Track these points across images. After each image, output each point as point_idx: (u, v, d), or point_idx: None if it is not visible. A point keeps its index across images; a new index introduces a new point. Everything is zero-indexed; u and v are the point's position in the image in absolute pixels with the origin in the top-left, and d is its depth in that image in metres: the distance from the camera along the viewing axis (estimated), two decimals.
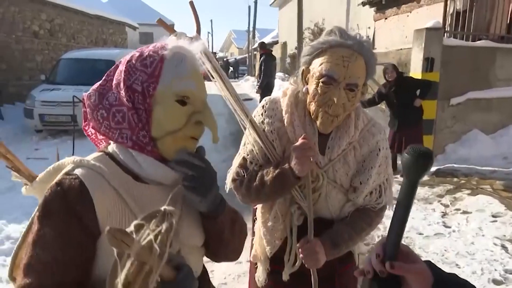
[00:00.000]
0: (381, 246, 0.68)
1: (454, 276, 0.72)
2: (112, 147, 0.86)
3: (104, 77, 0.88)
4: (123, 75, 0.82)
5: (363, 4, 8.77)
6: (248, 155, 1.33)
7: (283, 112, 1.31)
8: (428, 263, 0.70)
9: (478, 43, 5.86)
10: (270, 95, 8.83)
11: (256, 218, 1.43)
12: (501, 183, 4.73)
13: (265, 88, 8.50)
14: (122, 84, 0.82)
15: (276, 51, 18.34)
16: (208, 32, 43.57)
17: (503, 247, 3.35)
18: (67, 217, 0.73)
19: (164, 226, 0.60)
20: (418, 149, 0.62)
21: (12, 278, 0.79)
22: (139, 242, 0.57)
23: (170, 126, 0.81)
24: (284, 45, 16.86)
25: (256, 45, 26.06)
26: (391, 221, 0.67)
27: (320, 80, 1.20)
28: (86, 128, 0.94)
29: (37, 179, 0.87)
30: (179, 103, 0.82)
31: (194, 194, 0.82)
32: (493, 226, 3.70)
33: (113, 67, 0.88)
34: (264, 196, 1.27)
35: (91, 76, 8.11)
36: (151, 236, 0.58)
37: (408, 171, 0.63)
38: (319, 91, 1.21)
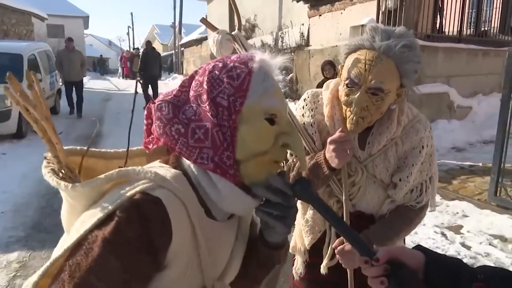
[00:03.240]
0: (360, 257, 0.72)
1: (444, 255, 0.78)
2: (189, 165, 0.76)
3: (178, 88, 0.80)
4: (205, 87, 0.75)
5: (297, 0, 9.08)
6: None
7: (324, 106, 1.34)
8: (418, 246, 0.76)
9: None
10: (151, 84, 10.84)
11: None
12: (437, 174, 5.22)
13: (145, 83, 10.96)
14: (205, 97, 0.74)
15: (206, 48, 18.21)
16: (129, 27, 41.88)
17: (443, 234, 3.69)
18: (141, 250, 0.64)
19: None
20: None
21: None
22: None
23: (257, 148, 0.74)
24: None
25: (183, 41, 25.71)
26: (340, 233, 0.77)
27: (345, 82, 1.24)
28: (149, 145, 0.83)
29: (90, 184, 0.71)
30: (268, 122, 0.75)
31: (282, 225, 0.77)
32: (431, 216, 4.05)
33: (188, 77, 0.81)
34: None
35: None
36: None
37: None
38: (344, 92, 1.24)
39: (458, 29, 7.22)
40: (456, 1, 7.08)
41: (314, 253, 1.43)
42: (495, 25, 8.19)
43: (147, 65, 10.90)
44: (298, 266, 1.51)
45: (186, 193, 0.72)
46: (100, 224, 0.65)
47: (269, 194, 0.76)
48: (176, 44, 27.52)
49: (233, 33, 1.35)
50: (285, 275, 3.01)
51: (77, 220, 0.70)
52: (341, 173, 1.31)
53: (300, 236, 1.48)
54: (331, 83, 1.39)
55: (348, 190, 1.34)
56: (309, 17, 9.17)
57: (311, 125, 1.36)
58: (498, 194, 4.16)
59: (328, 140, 1.25)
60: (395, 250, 0.72)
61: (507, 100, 4.07)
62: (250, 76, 0.75)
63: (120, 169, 0.71)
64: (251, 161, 0.75)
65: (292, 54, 9.49)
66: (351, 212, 1.36)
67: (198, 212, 0.73)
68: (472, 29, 8.01)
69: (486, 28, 8.19)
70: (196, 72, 0.80)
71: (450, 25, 7.17)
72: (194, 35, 23.19)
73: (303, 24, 9.71)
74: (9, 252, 3.35)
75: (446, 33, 7.34)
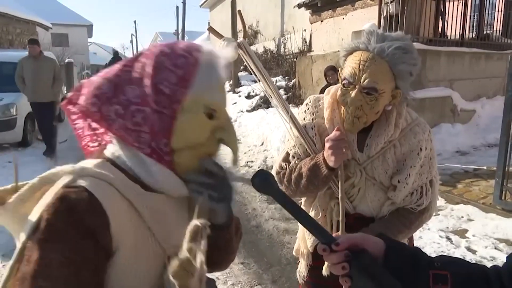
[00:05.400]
0: (319, 245, 0.74)
1: (404, 243, 0.82)
2: (112, 152, 0.77)
3: (120, 67, 0.77)
4: (150, 71, 0.73)
5: (299, 6, 9.13)
6: (291, 150, 1.45)
7: (324, 109, 1.39)
8: (379, 234, 0.79)
9: None
10: None
11: None
12: (438, 177, 5.20)
13: None
14: (147, 81, 0.73)
15: None
16: (132, 35, 42.23)
17: (448, 238, 3.67)
18: (79, 237, 0.64)
19: (203, 244, 0.61)
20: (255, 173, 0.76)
21: None
22: (200, 269, 0.57)
23: (193, 139, 0.75)
24: None
25: None
26: (300, 222, 0.78)
27: (342, 82, 1.29)
28: (74, 119, 0.84)
29: (15, 197, 0.70)
30: (206, 116, 0.75)
31: (223, 206, 0.79)
32: (436, 220, 4.03)
33: (133, 57, 0.79)
34: (303, 187, 1.37)
35: None
36: (202, 258, 0.58)
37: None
38: (341, 92, 1.30)
39: (461, 32, 7.23)
40: (458, 5, 7.10)
41: (317, 256, 1.44)
42: (498, 28, 8.20)
43: None
44: (301, 270, 1.53)
45: (112, 175, 0.71)
46: (33, 230, 0.65)
47: (203, 177, 0.76)
48: None
49: (238, 40, 1.42)
50: (289, 280, 3.01)
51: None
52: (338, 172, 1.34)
53: (303, 239, 1.50)
54: (332, 88, 1.43)
55: (347, 190, 1.36)
56: (311, 23, 9.21)
57: (312, 128, 1.41)
58: (503, 198, 4.14)
59: (326, 139, 1.30)
60: (356, 237, 0.75)
61: (510, 103, 4.07)
62: (196, 68, 0.75)
63: (40, 176, 0.71)
64: (186, 151, 0.75)
65: (295, 59, 9.53)
66: (352, 214, 1.38)
67: (133, 188, 0.73)
68: (474, 33, 8.02)
69: (488, 32, 8.20)
70: (141, 53, 0.78)
71: (452, 29, 7.18)
72: (196, 42, 23.33)
73: (305, 30, 9.75)
74: None
75: (449, 37, 7.35)
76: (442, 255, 0.81)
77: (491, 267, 0.77)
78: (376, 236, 0.77)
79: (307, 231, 1.37)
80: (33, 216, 0.66)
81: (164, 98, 0.73)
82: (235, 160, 0.81)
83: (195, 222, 0.63)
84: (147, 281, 0.70)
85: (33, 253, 0.63)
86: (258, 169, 0.78)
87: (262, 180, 0.76)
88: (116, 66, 0.78)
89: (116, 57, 13.37)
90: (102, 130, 0.82)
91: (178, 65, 0.74)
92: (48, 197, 0.67)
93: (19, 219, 0.70)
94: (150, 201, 0.74)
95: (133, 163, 0.75)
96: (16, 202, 0.70)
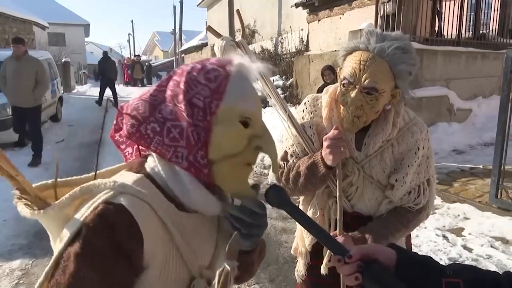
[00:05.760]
0: (333, 256, 0.76)
1: (415, 253, 0.83)
2: (152, 167, 0.78)
3: (155, 87, 0.81)
4: (182, 87, 0.76)
5: (296, 5, 9.14)
6: (289, 148, 1.46)
7: (323, 108, 1.40)
8: (391, 244, 0.79)
9: None
10: (109, 86, 13.14)
11: None
12: (435, 177, 5.22)
13: (103, 85, 13.07)
14: (181, 97, 0.76)
15: (207, 54, 18.30)
16: (129, 34, 42.10)
17: (444, 237, 3.68)
18: (114, 257, 0.66)
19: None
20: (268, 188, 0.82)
21: None
22: None
23: (230, 149, 0.76)
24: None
25: (183, 47, 25.81)
26: (313, 235, 0.82)
27: (342, 82, 1.29)
28: (123, 148, 0.87)
29: (57, 204, 0.72)
30: (242, 124, 0.77)
31: (249, 241, 0.82)
32: (433, 218, 4.05)
33: (166, 78, 0.82)
34: (301, 186, 1.37)
35: None
36: None
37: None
38: (341, 92, 1.30)
39: (457, 32, 7.26)
40: (454, 5, 7.12)
41: (316, 255, 1.45)
42: (494, 28, 8.23)
43: (104, 70, 13.10)
44: (299, 269, 1.54)
45: (151, 194, 0.73)
46: (71, 241, 0.66)
47: (243, 214, 0.79)
48: (177, 50, 27.65)
49: (236, 39, 1.43)
50: (286, 279, 3.02)
51: (57, 243, 0.72)
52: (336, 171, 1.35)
53: (302, 238, 1.50)
54: (330, 87, 1.44)
55: (345, 189, 1.37)
56: (308, 23, 9.22)
57: (310, 127, 1.42)
58: (499, 196, 4.16)
59: (324, 137, 1.31)
60: (368, 248, 0.76)
61: (506, 102, 4.09)
62: (227, 79, 0.77)
63: (81, 185, 0.72)
64: (224, 162, 0.77)
65: (292, 59, 9.53)
66: (349, 213, 1.39)
67: (168, 209, 0.75)
68: (470, 32, 8.05)
69: (484, 31, 8.23)
70: (174, 72, 0.81)
71: (449, 28, 7.21)
72: (195, 42, 23.30)
73: (302, 29, 9.75)
74: (12, 260, 3.36)
75: (445, 37, 7.37)
76: (453, 263, 0.82)
77: (502, 273, 0.78)
78: (387, 246, 0.79)
79: (309, 233, 1.37)
80: (72, 226, 0.68)
81: (198, 111, 0.75)
82: (275, 168, 0.83)
83: (226, 266, 0.68)
84: None
85: (69, 265, 0.65)
86: (271, 184, 0.81)
87: (276, 196, 0.80)
88: (152, 87, 0.81)
89: (105, 57, 13.29)
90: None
91: (210, 78, 0.76)
92: (87, 208, 0.69)
93: (58, 223, 0.72)
94: (182, 222, 0.76)
95: (170, 181, 0.76)
96: (57, 209, 0.72)
